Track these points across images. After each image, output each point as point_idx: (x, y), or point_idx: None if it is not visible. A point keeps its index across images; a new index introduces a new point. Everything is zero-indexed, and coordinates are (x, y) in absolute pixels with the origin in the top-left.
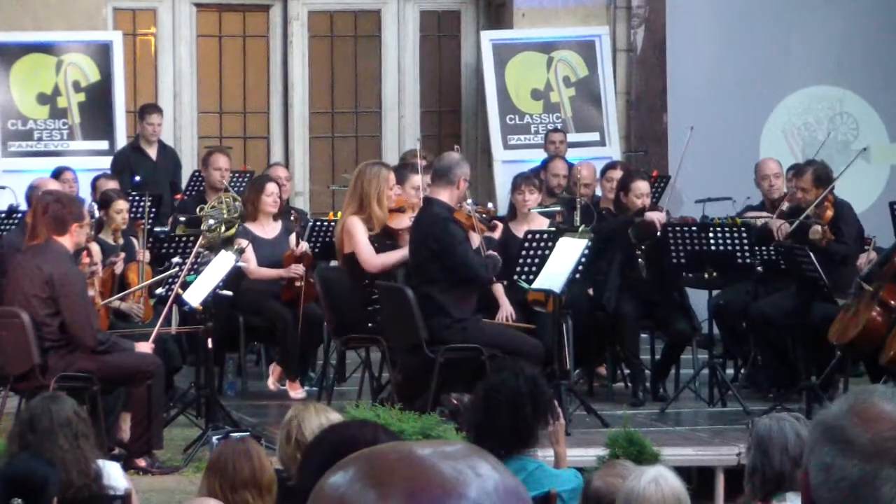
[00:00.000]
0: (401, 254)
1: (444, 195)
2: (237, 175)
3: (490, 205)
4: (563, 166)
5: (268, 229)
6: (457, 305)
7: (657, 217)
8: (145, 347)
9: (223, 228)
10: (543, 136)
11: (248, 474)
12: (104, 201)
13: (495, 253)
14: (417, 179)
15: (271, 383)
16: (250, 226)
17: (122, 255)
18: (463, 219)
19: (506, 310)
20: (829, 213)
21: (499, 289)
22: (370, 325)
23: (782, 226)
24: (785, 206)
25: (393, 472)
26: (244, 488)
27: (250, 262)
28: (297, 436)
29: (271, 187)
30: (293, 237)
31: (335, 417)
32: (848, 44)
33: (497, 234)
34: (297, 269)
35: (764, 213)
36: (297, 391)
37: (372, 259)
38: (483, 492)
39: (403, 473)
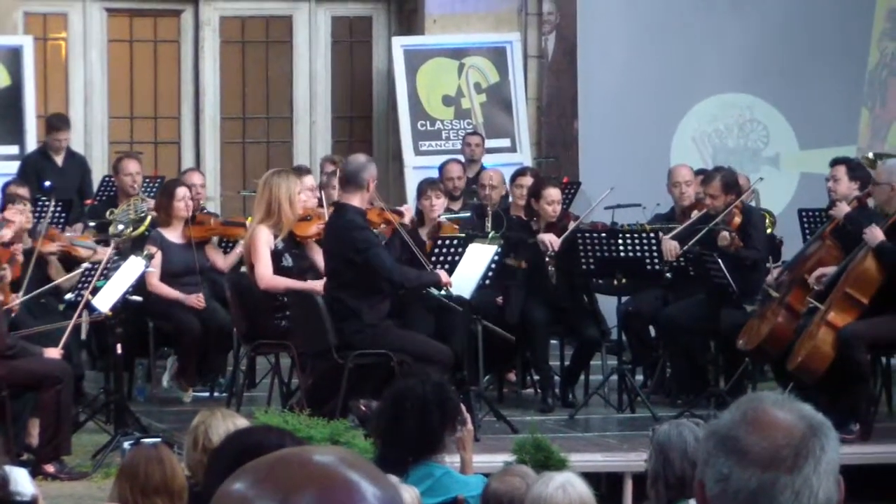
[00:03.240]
0: (292, 284)
1: (356, 199)
2: (148, 180)
3: (407, 204)
4: (457, 168)
5: (180, 235)
6: (369, 311)
7: (548, 239)
8: (54, 353)
9: (131, 230)
10: (461, 139)
11: (159, 480)
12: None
13: (440, 275)
14: (310, 180)
15: (185, 397)
16: (163, 231)
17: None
18: (374, 216)
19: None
20: (738, 219)
21: None
22: (280, 330)
23: (673, 249)
24: (694, 214)
25: (297, 479)
26: (155, 494)
27: (154, 273)
28: (204, 442)
29: (182, 191)
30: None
31: (242, 423)
32: (758, 51)
33: (407, 220)
34: (199, 301)
35: (672, 225)
36: (188, 395)
37: (266, 276)
38: (382, 499)
39: (307, 480)
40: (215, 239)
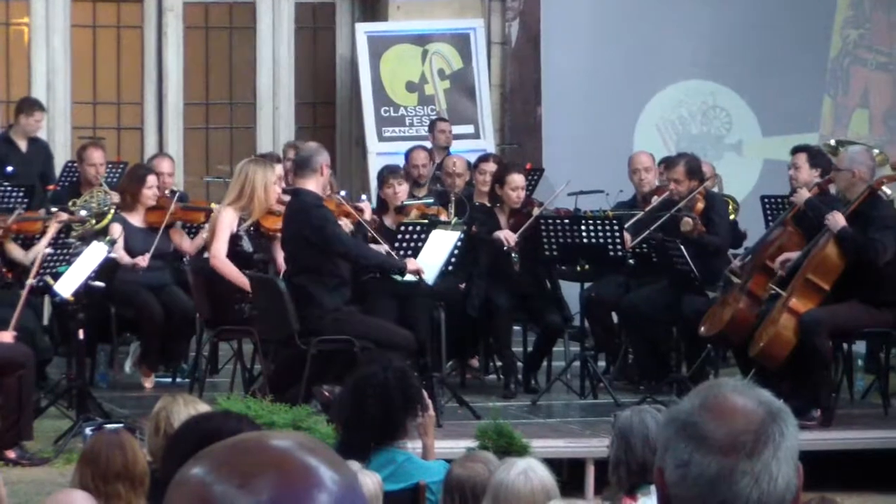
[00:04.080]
0: (242, 279)
1: (311, 184)
2: (111, 166)
3: (364, 196)
4: (423, 156)
5: (143, 219)
6: (330, 296)
7: (503, 235)
8: (7, 337)
9: (94, 222)
10: (424, 126)
11: (120, 466)
12: None
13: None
14: (279, 169)
15: (145, 380)
16: (126, 215)
17: None
18: (332, 207)
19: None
20: (700, 205)
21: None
22: (243, 316)
23: (626, 241)
24: (655, 200)
25: (255, 464)
26: (116, 480)
27: (120, 251)
28: (165, 427)
29: (152, 180)
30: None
31: (204, 409)
32: (721, 38)
33: (367, 216)
34: (143, 260)
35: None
36: (149, 381)
37: (218, 254)
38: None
39: (265, 465)
40: (179, 223)
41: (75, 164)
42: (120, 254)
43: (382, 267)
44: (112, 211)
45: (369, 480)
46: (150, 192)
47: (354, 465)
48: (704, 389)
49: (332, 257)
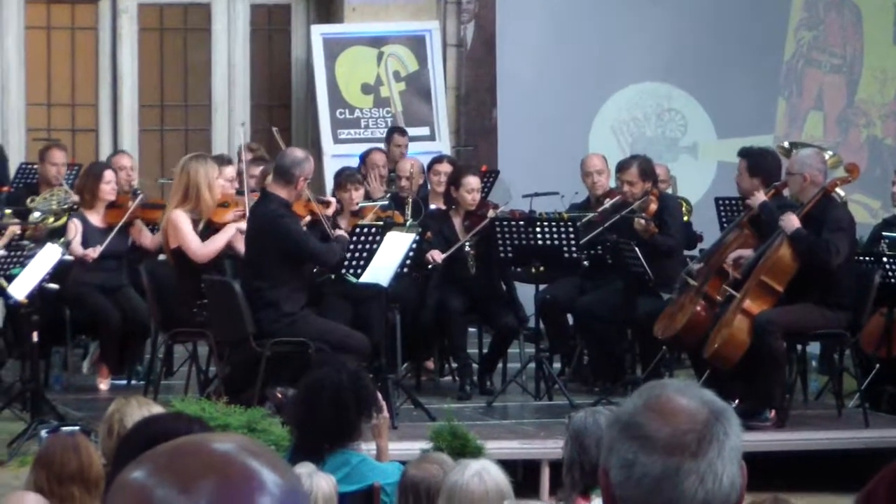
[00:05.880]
0: (225, 235)
1: (283, 192)
2: (66, 168)
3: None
4: (381, 158)
5: (102, 218)
6: (287, 300)
7: (431, 256)
8: None
9: (52, 219)
10: (386, 133)
11: (75, 468)
12: None
13: (343, 233)
14: (230, 171)
15: (101, 382)
16: (85, 213)
17: None
18: (301, 209)
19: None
20: (653, 206)
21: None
22: (198, 318)
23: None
24: (608, 202)
25: (196, 467)
26: (71, 482)
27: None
28: (119, 429)
29: (109, 174)
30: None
31: (158, 411)
32: (676, 41)
33: (331, 211)
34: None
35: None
36: (104, 382)
37: (200, 250)
38: (283, 488)
39: (207, 468)
40: (139, 221)
41: (31, 166)
42: (75, 248)
43: (343, 250)
44: (71, 210)
45: (324, 482)
46: (107, 188)
47: (309, 466)
48: (647, 390)
49: (296, 263)
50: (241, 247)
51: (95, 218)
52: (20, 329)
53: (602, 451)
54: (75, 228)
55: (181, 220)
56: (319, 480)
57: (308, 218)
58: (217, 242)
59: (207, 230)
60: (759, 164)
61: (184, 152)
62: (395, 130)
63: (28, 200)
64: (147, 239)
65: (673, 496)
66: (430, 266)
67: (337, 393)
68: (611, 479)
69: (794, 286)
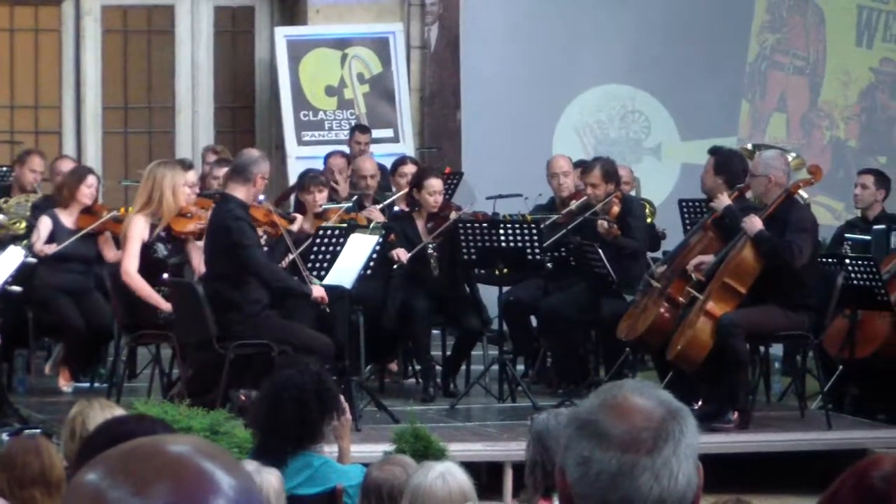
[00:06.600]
0: (146, 293)
1: (241, 192)
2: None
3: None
4: (342, 161)
5: (74, 221)
6: (248, 301)
7: (396, 254)
8: None
9: (23, 224)
10: (348, 133)
11: (37, 471)
12: None
13: (317, 289)
14: (192, 176)
15: (63, 384)
16: (59, 213)
17: None
18: (260, 215)
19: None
20: (616, 208)
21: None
22: (161, 321)
23: None
24: (574, 204)
25: (150, 470)
26: (32, 485)
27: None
28: (81, 432)
29: (92, 179)
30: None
31: (119, 413)
32: (640, 43)
33: (296, 227)
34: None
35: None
36: (67, 385)
37: (129, 270)
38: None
39: (161, 470)
40: (109, 233)
41: (3, 169)
42: (38, 245)
43: (290, 291)
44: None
45: (273, 478)
46: (88, 191)
47: (251, 464)
48: (605, 390)
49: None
50: (197, 263)
51: (67, 219)
52: None
53: (559, 451)
54: (45, 225)
55: (135, 231)
56: (268, 476)
57: (267, 227)
58: (140, 287)
59: (168, 235)
60: (725, 163)
61: (147, 154)
62: (356, 129)
63: (1, 201)
64: (111, 253)
65: (628, 493)
66: (395, 266)
67: (300, 395)
68: (567, 478)
69: (757, 288)
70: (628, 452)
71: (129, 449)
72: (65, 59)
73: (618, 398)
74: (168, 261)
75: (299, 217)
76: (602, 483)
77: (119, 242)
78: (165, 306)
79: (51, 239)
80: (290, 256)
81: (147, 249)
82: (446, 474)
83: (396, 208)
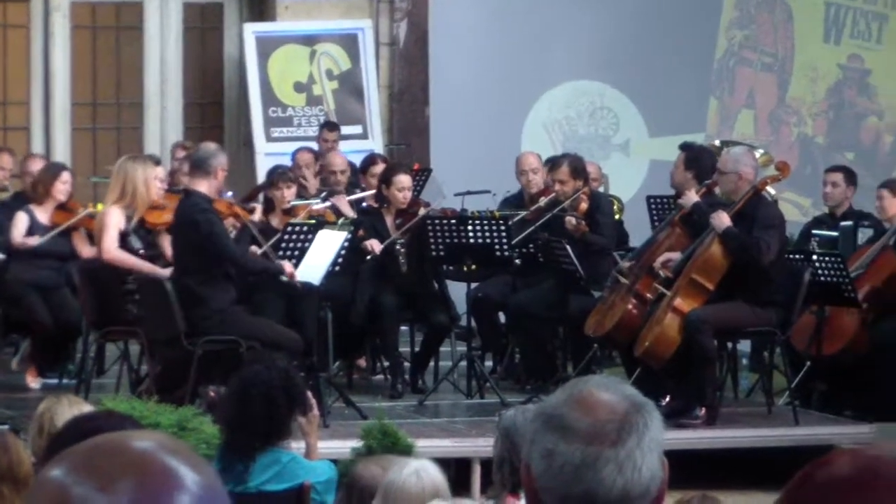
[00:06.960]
0: (136, 263)
1: (203, 186)
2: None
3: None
4: (309, 157)
5: (49, 217)
6: (216, 297)
7: (370, 245)
8: None
9: None
10: (317, 130)
11: (4, 467)
12: None
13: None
14: (160, 171)
15: (31, 381)
16: (34, 208)
17: None
18: (223, 208)
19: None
20: (584, 205)
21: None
22: (129, 317)
23: None
24: (543, 200)
25: (114, 466)
26: (0, 481)
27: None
28: (49, 428)
29: (67, 175)
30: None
31: (88, 410)
32: (608, 39)
33: (257, 217)
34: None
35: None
36: (35, 381)
37: (111, 248)
38: (202, 485)
39: (125, 467)
40: (83, 229)
41: None
42: (16, 238)
43: (266, 271)
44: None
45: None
46: (62, 187)
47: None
48: (571, 386)
49: (217, 260)
50: (171, 255)
51: (42, 215)
52: None
53: (524, 446)
54: (21, 221)
55: (111, 218)
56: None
57: (231, 220)
58: (128, 259)
59: (141, 228)
60: (696, 158)
61: (116, 150)
62: (325, 126)
63: None
64: (86, 249)
65: (592, 485)
66: (367, 257)
67: (267, 391)
68: (532, 472)
69: (725, 284)
70: (592, 445)
71: (93, 445)
72: (33, 55)
73: (583, 393)
74: (139, 252)
75: (258, 207)
76: (566, 475)
77: (94, 239)
78: (162, 272)
79: (28, 235)
80: (261, 250)
81: (124, 239)
82: (421, 471)
83: (365, 204)
